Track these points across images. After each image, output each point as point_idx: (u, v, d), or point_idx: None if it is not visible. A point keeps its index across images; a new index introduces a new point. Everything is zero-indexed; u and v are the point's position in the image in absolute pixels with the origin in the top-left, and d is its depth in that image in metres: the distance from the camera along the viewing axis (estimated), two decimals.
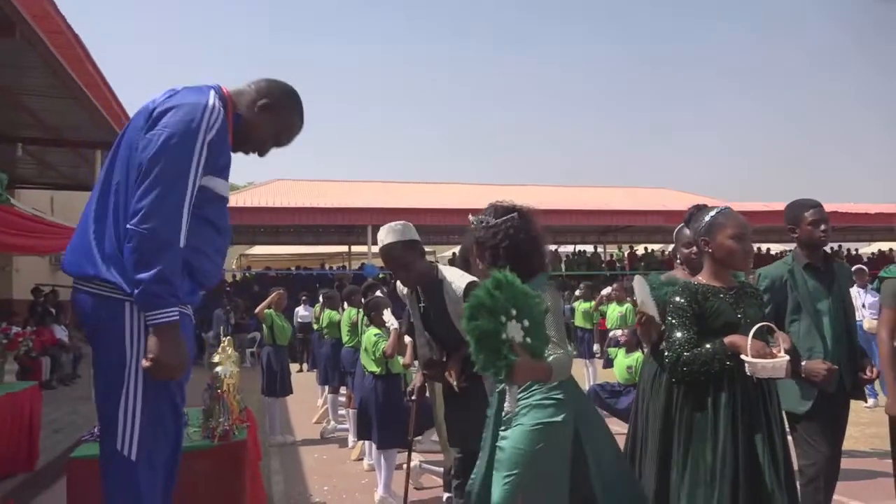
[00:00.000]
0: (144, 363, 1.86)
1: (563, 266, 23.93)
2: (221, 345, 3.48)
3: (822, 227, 3.15)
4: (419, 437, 6.05)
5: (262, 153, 2.28)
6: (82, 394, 9.25)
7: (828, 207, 3.34)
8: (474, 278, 3.00)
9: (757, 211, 20.52)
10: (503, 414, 2.22)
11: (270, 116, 2.18)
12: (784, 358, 2.24)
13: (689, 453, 2.38)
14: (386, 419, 4.73)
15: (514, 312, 1.97)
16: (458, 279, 3.16)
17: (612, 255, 27.12)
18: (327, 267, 24.41)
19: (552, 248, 25.94)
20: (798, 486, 2.41)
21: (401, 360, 4.92)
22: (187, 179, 1.88)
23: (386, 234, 3.16)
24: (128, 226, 1.85)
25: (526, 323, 2.00)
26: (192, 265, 2.00)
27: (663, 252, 25.07)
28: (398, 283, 3.44)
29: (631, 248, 25.52)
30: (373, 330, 4.89)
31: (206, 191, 2.00)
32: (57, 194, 13.61)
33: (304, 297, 14.24)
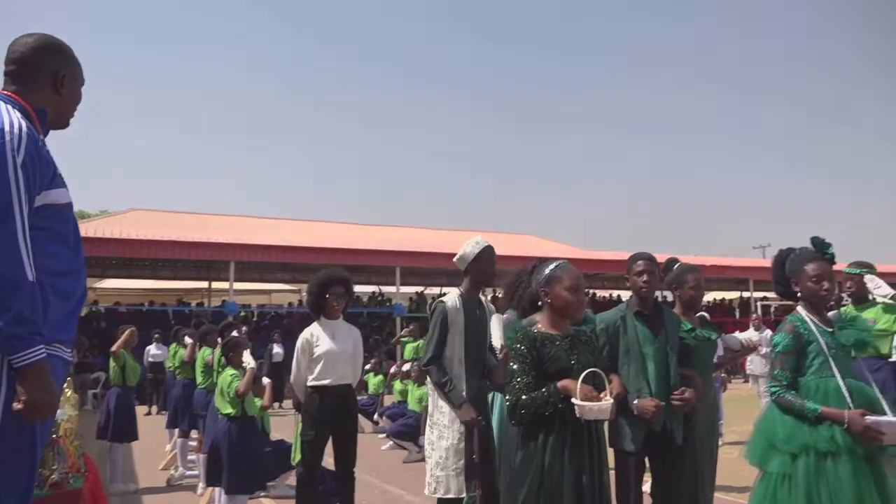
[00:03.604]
0: (16, 405, 1.79)
1: (427, 308, 24.32)
2: None
3: (645, 277, 3.53)
4: (273, 483, 5.92)
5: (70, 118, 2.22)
6: None
7: (662, 258, 3.86)
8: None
9: (607, 260, 22.07)
10: None
11: (72, 84, 2.14)
12: (608, 402, 2.50)
13: (518, 487, 2.57)
14: (237, 463, 4.59)
15: None
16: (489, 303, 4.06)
17: None
18: (185, 303, 23.28)
19: (419, 290, 26.37)
20: None
21: (258, 402, 4.83)
22: (13, 212, 1.79)
23: (483, 240, 3.95)
24: None
25: None
26: (52, 288, 1.94)
27: None
28: (455, 296, 3.94)
29: (494, 291, 26.37)
30: (229, 370, 4.77)
31: (47, 208, 1.94)
32: None
33: (156, 335, 13.47)
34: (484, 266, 3.93)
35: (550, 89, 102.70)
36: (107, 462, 6.60)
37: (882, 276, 4.24)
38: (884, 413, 2.84)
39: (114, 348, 6.68)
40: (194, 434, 7.16)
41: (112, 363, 6.73)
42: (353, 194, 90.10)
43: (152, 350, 13.30)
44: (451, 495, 3.66)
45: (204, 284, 24.42)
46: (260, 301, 26.75)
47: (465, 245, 3.96)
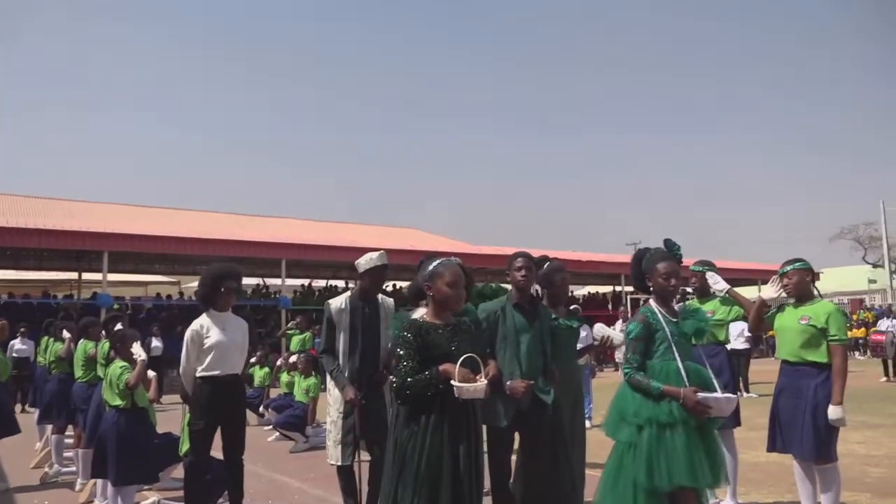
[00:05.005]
0: None
1: (314, 300, 24.17)
2: None
3: (524, 272, 3.93)
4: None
5: None
6: None
7: (548, 255, 4.42)
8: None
9: (489, 254, 22.85)
10: None
11: None
12: (483, 383, 2.84)
13: (402, 460, 2.88)
14: (125, 454, 4.59)
15: None
16: (388, 300, 4.60)
17: None
18: (52, 295, 21.84)
19: (305, 282, 26.11)
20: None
21: (146, 394, 4.82)
22: None
23: (379, 258, 4.47)
24: None
25: None
26: None
27: None
28: (343, 297, 4.54)
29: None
30: (118, 362, 4.74)
31: None
32: None
33: (22, 329, 12.70)
34: (369, 280, 4.51)
35: (429, 81, 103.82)
36: None
37: (721, 272, 4.87)
38: (716, 392, 3.34)
39: None
40: (69, 430, 6.93)
41: None
42: (240, 184, 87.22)
43: (17, 345, 12.55)
44: (332, 462, 4.31)
45: (73, 275, 23.03)
46: (135, 293, 25.53)
47: (367, 256, 4.50)
